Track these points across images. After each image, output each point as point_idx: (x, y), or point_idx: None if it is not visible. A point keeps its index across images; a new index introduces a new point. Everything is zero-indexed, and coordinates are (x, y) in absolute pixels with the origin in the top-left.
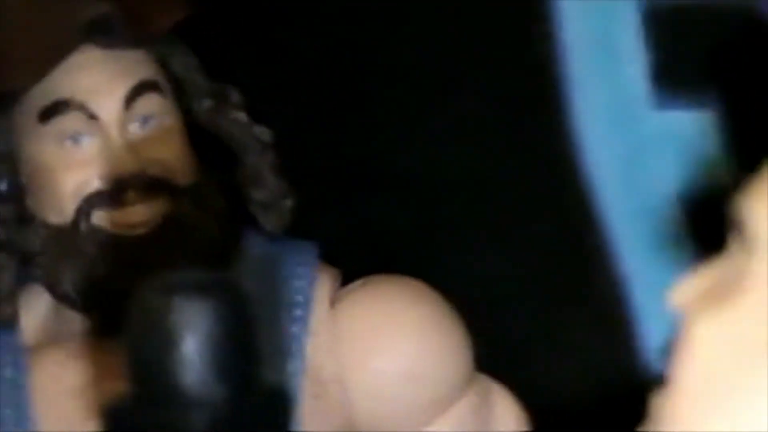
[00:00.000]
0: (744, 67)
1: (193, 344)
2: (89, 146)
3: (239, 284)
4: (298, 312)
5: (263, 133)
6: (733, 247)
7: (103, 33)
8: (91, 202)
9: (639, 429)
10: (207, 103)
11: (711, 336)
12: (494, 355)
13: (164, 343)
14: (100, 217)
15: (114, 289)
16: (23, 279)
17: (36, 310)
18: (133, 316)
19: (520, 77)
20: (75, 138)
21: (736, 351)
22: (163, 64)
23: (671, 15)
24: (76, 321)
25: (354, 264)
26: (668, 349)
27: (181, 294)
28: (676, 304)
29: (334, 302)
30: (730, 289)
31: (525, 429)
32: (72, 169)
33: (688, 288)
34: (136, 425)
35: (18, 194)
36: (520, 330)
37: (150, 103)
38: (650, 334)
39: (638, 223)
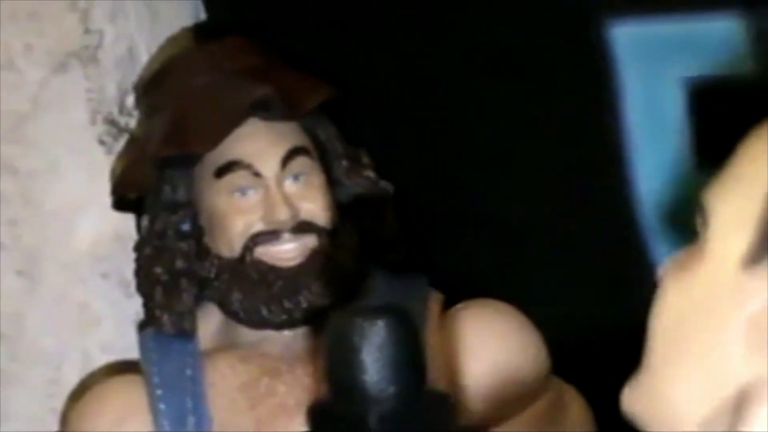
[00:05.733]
0: None
1: (369, 355)
2: (253, 197)
3: (407, 309)
4: None
5: (388, 187)
6: (699, 229)
7: (265, 109)
8: (254, 240)
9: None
10: (344, 164)
11: (676, 296)
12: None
13: (349, 354)
14: (261, 252)
15: (272, 308)
16: (200, 299)
17: (210, 323)
18: (328, 334)
19: (591, 144)
20: (242, 190)
21: (694, 308)
22: (310, 133)
23: (711, 92)
24: (242, 332)
25: (455, 290)
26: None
27: (360, 316)
28: (660, 274)
29: (441, 321)
30: (693, 261)
31: (592, 424)
32: (240, 215)
33: (670, 262)
34: (330, 417)
35: (197, 233)
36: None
37: (300, 163)
38: None
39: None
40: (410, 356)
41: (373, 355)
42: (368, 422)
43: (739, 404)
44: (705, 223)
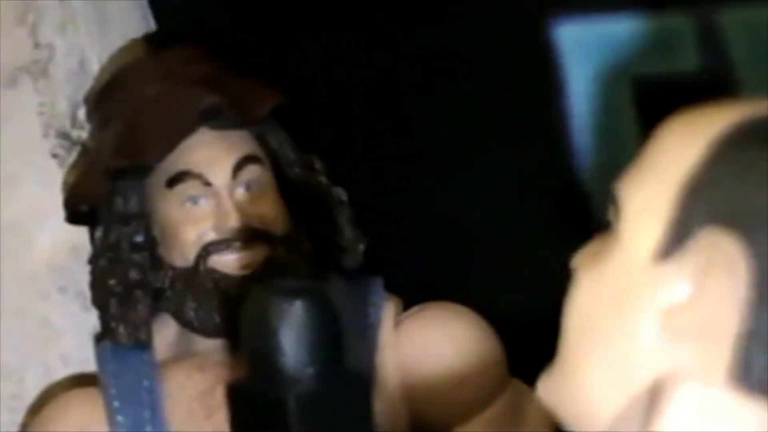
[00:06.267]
0: None
1: (286, 335)
2: (205, 206)
3: (325, 290)
4: (369, 332)
5: (341, 192)
6: (612, 219)
7: (215, 118)
8: (208, 250)
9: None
10: (296, 171)
11: (589, 288)
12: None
13: (266, 334)
14: (215, 261)
15: (227, 316)
16: (155, 310)
17: (166, 334)
18: (246, 314)
19: (540, 143)
20: (194, 200)
21: (608, 300)
22: (262, 140)
23: (658, 89)
24: (197, 341)
25: (412, 292)
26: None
27: (278, 296)
28: (574, 265)
29: (397, 324)
30: (606, 252)
31: (550, 425)
32: (192, 224)
33: (583, 252)
34: (249, 397)
35: (151, 244)
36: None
37: (252, 172)
38: None
39: None
40: (328, 336)
41: (292, 336)
42: (287, 403)
43: (654, 396)
44: (617, 214)
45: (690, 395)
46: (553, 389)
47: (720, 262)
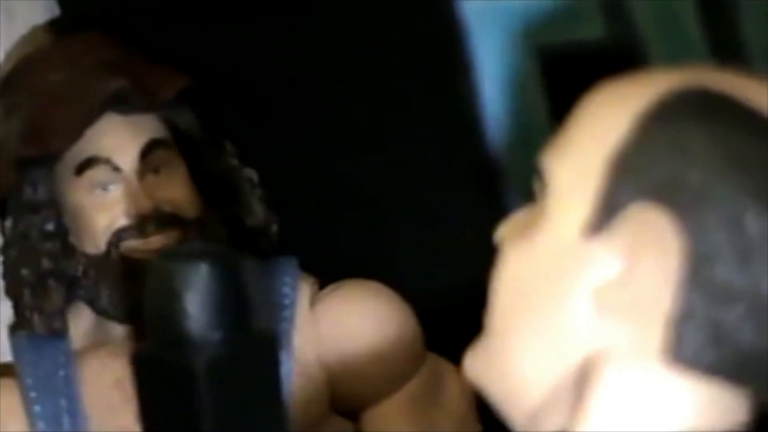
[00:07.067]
0: None
1: (191, 300)
2: (115, 192)
3: (229, 252)
4: (286, 313)
5: (252, 174)
6: (538, 192)
7: (121, 102)
8: (119, 236)
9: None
10: (206, 153)
11: (517, 264)
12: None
13: (170, 299)
14: (126, 247)
15: (140, 301)
16: (70, 298)
17: (81, 322)
18: (148, 280)
19: (449, 117)
20: (103, 186)
21: (537, 276)
22: (170, 124)
23: (564, 58)
24: (113, 328)
25: (327, 272)
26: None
27: (181, 261)
28: (497, 238)
29: (313, 303)
30: (532, 225)
31: (471, 400)
32: (103, 211)
33: (507, 225)
34: (156, 365)
35: (62, 232)
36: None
37: (161, 155)
38: None
39: None
40: (234, 300)
41: (197, 300)
42: (195, 369)
43: (585, 374)
44: (543, 187)
45: (621, 373)
46: (480, 366)
47: (650, 237)
